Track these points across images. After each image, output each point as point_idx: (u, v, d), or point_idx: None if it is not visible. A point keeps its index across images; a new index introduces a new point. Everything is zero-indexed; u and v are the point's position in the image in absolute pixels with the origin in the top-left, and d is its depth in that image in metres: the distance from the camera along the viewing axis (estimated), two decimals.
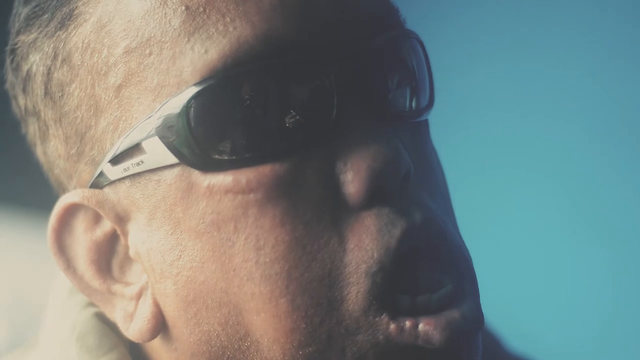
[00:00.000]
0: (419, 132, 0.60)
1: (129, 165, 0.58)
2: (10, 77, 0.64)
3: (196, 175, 0.56)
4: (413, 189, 0.58)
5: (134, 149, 0.57)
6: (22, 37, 0.62)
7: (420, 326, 0.55)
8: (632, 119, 1.55)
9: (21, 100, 0.63)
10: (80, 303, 0.64)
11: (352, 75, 0.56)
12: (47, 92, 0.61)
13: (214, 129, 0.55)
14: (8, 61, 0.64)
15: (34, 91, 0.62)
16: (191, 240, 0.57)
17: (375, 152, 0.55)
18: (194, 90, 0.55)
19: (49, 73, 0.60)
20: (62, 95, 0.60)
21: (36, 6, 0.61)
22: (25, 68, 0.62)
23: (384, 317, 0.55)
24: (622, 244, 1.55)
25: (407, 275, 0.56)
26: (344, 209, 0.56)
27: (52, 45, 0.60)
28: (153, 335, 0.59)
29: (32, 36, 0.61)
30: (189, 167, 0.56)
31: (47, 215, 0.62)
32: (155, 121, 0.56)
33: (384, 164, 0.55)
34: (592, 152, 1.57)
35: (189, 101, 0.55)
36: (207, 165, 0.56)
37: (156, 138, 0.56)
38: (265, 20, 0.55)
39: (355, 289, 0.55)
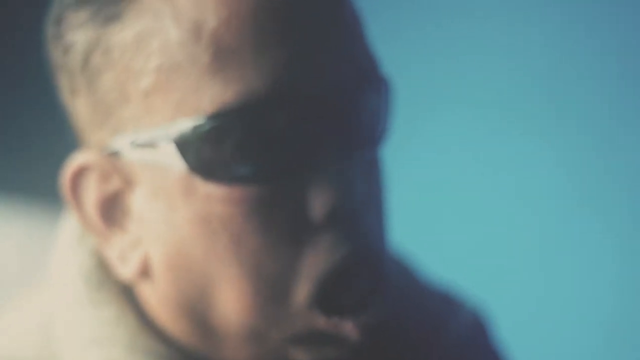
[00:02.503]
0: (373, 159, 0.75)
1: (145, 155, 0.72)
2: (52, 31, 0.76)
3: (198, 180, 0.71)
4: (362, 214, 0.73)
5: (152, 146, 0.71)
6: (70, 14, 0.74)
7: (344, 326, 0.73)
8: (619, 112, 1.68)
9: (60, 57, 0.75)
10: (89, 250, 0.80)
11: (330, 121, 0.71)
12: (84, 68, 0.73)
13: (219, 151, 0.70)
14: (52, 22, 0.76)
15: (73, 60, 0.74)
16: (184, 223, 0.72)
17: (337, 187, 0.71)
18: (209, 119, 0.69)
19: (89, 54, 0.73)
20: (97, 77, 0.73)
21: None
22: (68, 39, 0.74)
23: (319, 313, 0.73)
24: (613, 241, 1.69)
25: (341, 284, 0.72)
26: (307, 226, 0.71)
27: (97, 34, 0.72)
28: (137, 279, 0.76)
29: (81, 18, 0.73)
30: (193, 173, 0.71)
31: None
32: (174, 131, 0.70)
33: (343, 197, 0.71)
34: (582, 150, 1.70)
35: (203, 126, 0.69)
36: (209, 177, 0.70)
37: (172, 145, 0.70)
38: (273, 76, 0.69)
39: (303, 289, 0.72)
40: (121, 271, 0.76)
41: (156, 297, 0.77)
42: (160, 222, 0.73)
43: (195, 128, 0.69)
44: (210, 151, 0.70)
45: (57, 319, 0.79)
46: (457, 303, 0.90)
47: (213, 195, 0.70)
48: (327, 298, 0.72)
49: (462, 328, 0.89)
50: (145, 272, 0.75)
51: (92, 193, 0.75)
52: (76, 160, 0.75)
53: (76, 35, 0.73)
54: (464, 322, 0.89)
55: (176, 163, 0.71)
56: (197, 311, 0.74)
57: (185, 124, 0.70)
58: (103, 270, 0.79)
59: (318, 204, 0.71)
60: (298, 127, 0.70)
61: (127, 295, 0.79)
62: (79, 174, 0.75)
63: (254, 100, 0.69)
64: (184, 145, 0.70)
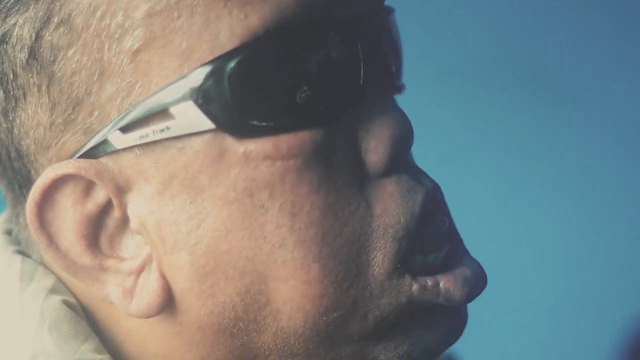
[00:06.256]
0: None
1: (149, 132, 0.56)
2: None
3: (230, 141, 0.55)
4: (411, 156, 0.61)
5: (158, 115, 0.55)
6: None
7: (441, 284, 0.58)
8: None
9: None
10: (41, 290, 0.60)
11: (373, 46, 0.58)
12: (33, 56, 0.57)
13: (254, 95, 0.55)
14: None
15: (11, 55, 0.57)
16: (215, 208, 0.56)
17: (394, 121, 0.58)
18: (234, 55, 0.54)
19: (37, 36, 0.56)
20: (54, 59, 0.56)
21: None
22: (1, 31, 0.57)
23: (407, 279, 0.57)
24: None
25: (425, 234, 0.58)
26: (366, 175, 0.57)
27: (44, 7, 0.56)
28: (161, 309, 0.57)
29: None
30: (222, 134, 0.55)
31: None
32: (188, 86, 0.55)
33: (402, 132, 0.58)
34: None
35: (229, 66, 0.54)
36: (245, 131, 0.55)
37: (190, 103, 0.55)
38: None
39: (382, 253, 0.57)
40: (134, 308, 0.57)
41: (178, 335, 0.58)
42: (179, 222, 0.56)
43: (217, 71, 0.54)
44: (243, 97, 0.55)
45: None
46: None
47: (254, 154, 0.55)
48: (412, 255, 0.57)
49: None
50: (167, 299, 0.57)
51: (68, 217, 0.57)
52: (40, 180, 0.57)
53: (12, 19, 0.57)
54: None
55: (197, 126, 0.55)
56: (246, 331, 0.57)
57: (202, 71, 0.54)
58: (74, 318, 0.59)
59: (378, 144, 0.57)
60: (342, 51, 0.56)
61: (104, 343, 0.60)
62: (46, 196, 0.57)
63: (285, 22, 0.55)
64: (205, 99, 0.55)
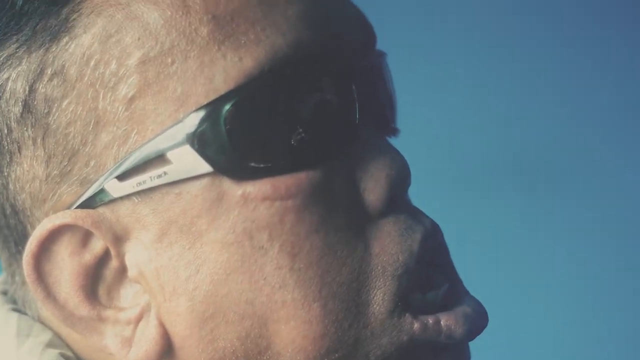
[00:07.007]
0: None
1: (146, 179, 0.56)
2: None
3: (228, 184, 0.55)
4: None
5: (154, 161, 0.55)
6: None
7: (443, 322, 0.58)
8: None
9: None
10: (37, 345, 0.60)
11: (367, 87, 0.59)
12: (27, 110, 0.57)
13: (251, 137, 0.55)
14: None
15: (5, 110, 0.57)
16: (214, 252, 0.56)
17: (390, 161, 0.58)
18: (230, 97, 0.55)
19: (31, 89, 0.57)
20: (49, 111, 0.57)
21: (10, 21, 0.57)
22: None
23: (408, 317, 0.57)
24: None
25: (425, 272, 0.58)
26: (364, 215, 0.58)
27: (37, 60, 0.57)
28: (159, 358, 0.57)
29: (7, 52, 0.57)
30: (220, 177, 0.55)
31: None
32: (184, 131, 0.55)
33: (399, 172, 0.58)
34: None
35: (225, 108, 0.55)
36: (243, 173, 0.55)
37: (186, 147, 0.55)
38: (294, 30, 0.56)
39: (382, 292, 0.57)
40: (133, 357, 0.57)
41: None
42: (178, 268, 0.56)
43: (213, 114, 0.55)
44: (240, 138, 0.55)
45: None
46: None
47: (252, 195, 0.55)
48: (412, 294, 0.57)
49: None
50: (166, 347, 0.57)
51: (65, 268, 0.57)
52: (36, 232, 0.57)
53: (5, 74, 0.57)
54: None
55: (195, 170, 0.55)
56: None
57: (198, 115, 0.55)
58: None
59: (376, 184, 0.58)
60: (337, 91, 0.57)
61: None
62: (43, 247, 0.57)
63: (279, 63, 0.55)
64: (202, 142, 0.55)
